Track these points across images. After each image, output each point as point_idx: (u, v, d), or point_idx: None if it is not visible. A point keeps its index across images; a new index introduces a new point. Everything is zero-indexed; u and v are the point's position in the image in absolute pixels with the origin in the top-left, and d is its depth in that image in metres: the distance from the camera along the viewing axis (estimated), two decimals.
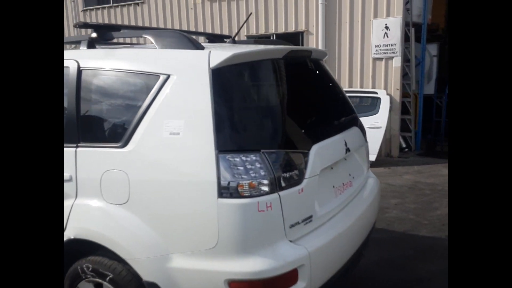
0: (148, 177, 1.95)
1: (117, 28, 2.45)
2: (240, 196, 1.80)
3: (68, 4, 10.25)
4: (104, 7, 9.82)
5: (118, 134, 2.05)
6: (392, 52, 7.17)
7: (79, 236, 2.10)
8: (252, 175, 1.83)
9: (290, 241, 1.94)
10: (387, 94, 7.23)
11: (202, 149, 1.84)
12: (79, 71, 2.22)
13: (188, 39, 2.07)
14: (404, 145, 8.04)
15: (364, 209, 2.54)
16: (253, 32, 8.12)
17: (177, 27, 8.85)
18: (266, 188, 1.84)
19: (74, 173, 2.14)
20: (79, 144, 2.14)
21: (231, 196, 1.80)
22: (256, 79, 2.17)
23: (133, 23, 9.39)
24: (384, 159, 7.46)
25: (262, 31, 8.04)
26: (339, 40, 7.44)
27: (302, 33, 7.72)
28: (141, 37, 2.27)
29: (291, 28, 7.75)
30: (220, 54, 1.95)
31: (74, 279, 2.18)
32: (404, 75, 7.51)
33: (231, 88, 1.95)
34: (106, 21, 9.80)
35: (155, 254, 1.93)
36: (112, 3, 9.67)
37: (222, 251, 1.82)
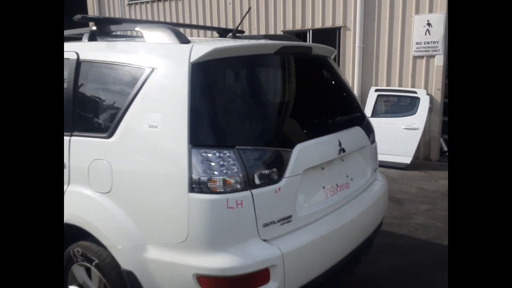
0: (128, 168, 1.98)
1: (117, 21, 2.50)
2: (210, 191, 1.78)
3: None
4: (148, 2, 10.11)
5: (106, 125, 2.10)
6: (434, 50, 6.79)
7: (70, 221, 2.18)
8: (224, 171, 1.80)
9: (265, 240, 1.90)
10: (427, 94, 6.86)
11: (176, 143, 1.84)
12: (78, 62, 2.29)
13: (174, 33, 2.07)
14: (445, 149, 7.61)
15: (360, 212, 2.42)
16: (289, 27, 8.02)
17: (215, 21, 8.94)
18: (237, 185, 1.81)
19: (68, 160, 2.22)
20: (73, 133, 2.22)
21: (201, 191, 1.78)
22: (240, 75, 2.13)
23: (174, 17, 9.60)
24: (421, 162, 7.10)
25: (298, 27, 7.92)
26: (377, 37, 7.15)
27: (339, 28, 7.51)
28: (134, 30, 2.29)
29: (328, 24, 7.57)
30: (201, 48, 1.93)
31: (67, 262, 2.27)
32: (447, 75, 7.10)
33: (210, 83, 1.92)
34: (149, 15, 10.09)
35: (132, 243, 1.96)
36: None
37: (191, 246, 1.81)
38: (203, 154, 1.81)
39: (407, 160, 6.48)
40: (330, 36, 7.77)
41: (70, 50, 2.36)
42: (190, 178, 1.79)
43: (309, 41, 7.85)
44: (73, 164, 2.20)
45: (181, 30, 2.36)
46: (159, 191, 1.88)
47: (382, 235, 4.05)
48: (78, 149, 2.19)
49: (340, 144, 2.32)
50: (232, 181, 1.80)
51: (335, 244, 2.19)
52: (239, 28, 3.15)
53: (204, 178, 1.79)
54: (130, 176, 1.97)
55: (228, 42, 2.13)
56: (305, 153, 2.08)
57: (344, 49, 7.50)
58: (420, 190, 5.49)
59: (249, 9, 2.93)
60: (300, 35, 8.17)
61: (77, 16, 2.39)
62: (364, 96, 7.23)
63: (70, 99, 2.27)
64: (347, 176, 2.47)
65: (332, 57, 2.87)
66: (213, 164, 1.80)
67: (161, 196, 1.87)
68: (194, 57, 1.91)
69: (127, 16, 10.50)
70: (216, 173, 1.79)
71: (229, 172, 1.80)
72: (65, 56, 2.35)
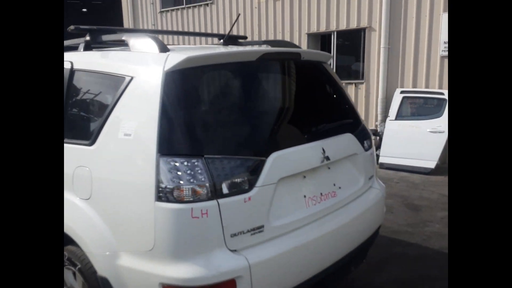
0: (105, 176, 2.03)
1: (111, 31, 2.58)
2: (175, 200, 1.80)
3: (148, 6, 11.00)
4: (178, 8, 10.36)
5: (90, 133, 2.17)
6: None
7: None
8: (190, 180, 1.81)
9: (234, 250, 1.89)
10: None
11: (146, 151, 1.87)
12: (72, 71, 2.39)
13: (155, 42, 2.10)
14: None
15: (347, 221, 2.36)
16: (314, 29, 7.93)
17: (242, 26, 9.00)
18: (203, 195, 1.81)
19: None
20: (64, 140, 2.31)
21: (167, 200, 1.80)
22: (217, 83, 2.13)
23: (203, 23, 9.77)
24: (447, 167, 6.79)
25: (323, 29, 7.81)
26: (403, 37, 6.92)
27: (364, 29, 7.33)
28: (121, 40, 2.35)
29: (353, 25, 7.41)
30: (176, 57, 1.95)
31: None
32: None
33: (183, 92, 1.94)
34: (180, 22, 10.33)
35: (108, 250, 2.01)
36: (185, 4, 10.15)
37: (158, 254, 1.84)
38: (171, 163, 1.82)
39: (432, 164, 6.22)
40: (354, 37, 7.61)
41: (66, 60, 2.46)
42: (157, 186, 1.82)
43: (334, 43, 7.73)
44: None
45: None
46: (130, 199, 1.92)
47: (392, 243, 3.91)
48: (66, 155, 2.28)
49: (323, 152, 2.27)
50: (197, 190, 1.80)
51: (313, 254, 2.14)
52: (217, 33, 3.15)
53: (170, 187, 1.80)
54: (106, 183, 2.03)
55: (207, 50, 2.14)
56: (281, 161, 2.05)
57: (369, 51, 7.32)
58: (441, 197, 5.24)
59: (238, 15, 2.90)
60: (325, 37, 8.07)
61: (71, 27, 2.48)
62: (389, 98, 7.02)
63: (67, 104, 2.37)
64: (334, 185, 2.41)
65: (328, 62, 2.82)
66: (179, 173, 1.81)
67: (132, 204, 1.91)
68: (168, 66, 1.93)
69: (159, 23, 10.81)
70: (182, 182, 1.80)
71: (195, 181, 1.81)
72: None
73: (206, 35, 3.93)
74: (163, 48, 2.07)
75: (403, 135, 6.56)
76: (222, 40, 2.67)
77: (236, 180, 1.89)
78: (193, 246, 1.82)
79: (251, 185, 1.93)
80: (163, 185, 1.81)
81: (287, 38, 8.27)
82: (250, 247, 1.93)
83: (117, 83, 2.11)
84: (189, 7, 10.07)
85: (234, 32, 9.12)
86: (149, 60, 2.04)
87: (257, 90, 2.25)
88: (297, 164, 2.15)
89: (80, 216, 2.13)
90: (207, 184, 1.82)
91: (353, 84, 7.58)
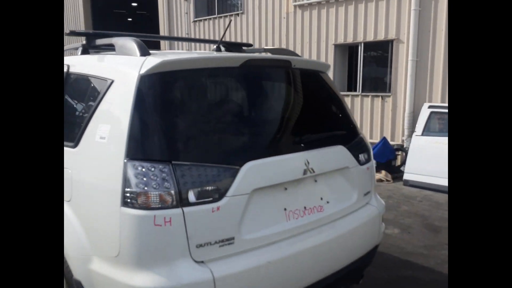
0: (82, 179, 2.04)
1: (106, 35, 2.61)
2: (139, 207, 1.76)
3: (182, 16, 11.26)
4: (210, 18, 10.52)
5: (74, 135, 2.19)
6: None
7: None
8: (154, 186, 1.77)
9: (201, 261, 1.82)
10: None
11: (116, 155, 1.85)
12: (67, 74, 2.44)
13: (137, 45, 2.10)
14: None
15: (333, 238, 2.24)
16: (341, 40, 7.79)
17: (270, 35, 9.00)
18: (167, 202, 1.76)
19: None
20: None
21: (132, 206, 1.77)
22: (194, 88, 2.09)
23: (233, 32, 9.86)
24: None
25: (350, 40, 7.66)
26: (432, 49, 6.65)
27: (392, 41, 7.11)
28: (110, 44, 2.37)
29: (380, 36, 7.21)
30: (151, 61, 1.94)
31: None
32: None
33: (156, 96, 1.91)
34: (211, 30, 10.48)
35: (82, 254, 1.99)
36: (217, 14, 10.30)
37: (122, 261, 1.80)
38: (138, 168, 1.79)
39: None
40: (382, 49, 7.40)
41: (64, 63, 2.52)
42: (123, 191, 1.79)
43: (361, 54, 7.55)
44: None
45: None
46: (101, 203, 1.91)
47: (404, 265, 3.70)
48: None
49: (307, 163, 2.17)
50: (162, 197, 1.76)
51: (291, 270, 2.04)
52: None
53: (135, 192, 1.77)
54: (83, 186, 2.03)
55: (186, 55, 2.11)
56: (256, 171, 1.97)
57: (396, 63, 7.09)
58: None
59: (230, 21, 2.86)
60: (353, 48, 7.90)
61: (66, 31, 2.54)
62: (417, 112, 6.73)
63: None
64: (321, 199, 2.30)
65: (327, 72, 2.72)
66: (145, 178, 1.77)
67: (102, 208, 1.90)
68: (143, 70, 1.91)
69: (192, 32, 11.02)
70: (146, 188, 1.76)
71: (159, 187, 1.77)
72: None
73: (203, 41, 3.90)
74: (144, 52, 2.06)
75: (430, 151, 6.25)
76: (215, 47, 2.63)
77: (204, 188, 1.83)
78: (155, 255, 1.77)
79: (221, 194, 1.86)
80: (128, 190, 1.78)
81: (313, 49, 8.17)
82: (218, 260, 1.86)
83: (100, 86, 2.12)
84: (221, 17, 10.20)
85: (264, 42, 9.14)
86: (128, 64, 2.04)
87: (238, 97, 2.20)
88: (276, 175, 2.06)
89: (67, 214, 2.14)
90: (172, 192, 1.77)
91: (380, 97, 7.36)
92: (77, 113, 2.33)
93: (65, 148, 2.22)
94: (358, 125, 7.53)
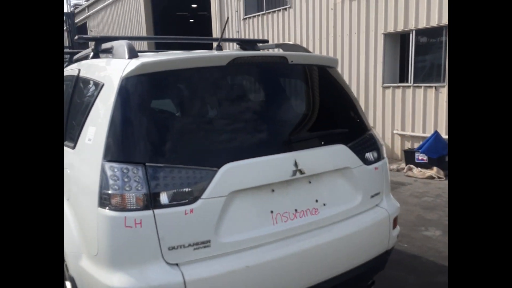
0: (76, 179, 2.12)
1: (113, 39, 2.68)
2: (112, 208, 1.78)
3: (233, 14, 11.36)
4: (259, 14, 10.49)
5: (74, 137, 2.29)
6: None
7: None
8: (127, 188, 1.78)
9: (175, 264, 1.80)
10: None
11: (96, 156, 1.89)
12: (77, 78, 2.56)
13: (127, 48, 2.12)
14: None
15: (328, 242, 2.11)
16: (390, 29, 7.34)
17: (318, 27, 8.77)
18: (138, 204, 1.77)
19: None
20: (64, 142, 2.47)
21: (106, 207, 1.80)
22: (176, 89, 2.06)
23: (281, 27, 9.75)
24: None
25: (400, 28, 7.19)
26: None
27: (445, 27, 6.56)
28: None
29: (433, 23, 6.68)
30: (133, 63, 1.95)
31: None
32: None
33: (135, 98, 1.92)
34: (260, 27, 10.45)
35: (75, 250, 2.08)
36: (265, 10, 10.24)
37: (100, 261, 1.84)
38: (113, 169, 1.81)
39: None
40: (435, 36, 6.86)
41: (75, 67, 2.64)
42: (100, 192, 1.82)
43: (412, 43, 7.07)
44: None
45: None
46: (85, 203, 1.96)
47: (438, 270, 3.40)
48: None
49: (296, 164, 2.05)
50: (133, 198, 1.77)
51: (273, 276, 1.95)
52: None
53: (108, 194, 1.79)
54: (76, 186, 2.11)
55: (171, 56, 2.09)
56: (235, 173, 1.91)
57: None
58: None
59: (227, 19, 2.75)
60: (404, 36, 7.43)
61: (75, 38, 2.65)
62: None
63: (67, 109, 2.54)
64: (316, 201, 2.17)
65: (336, 67, 2.55)
66: (118, 180, 1.79)
67: (86, 208, 1.95)
68: (125, 73, 1.93)
69: (242, 30, 11.08)
70: (119, 189, 1.78)
71: (131, 189, 1.77)
72: (72, 73, 2.65)
73: (202, 39, 3.85)
74: (131, 55, 2.08)
75: None
76: (216, 46, 2.59)
77: (177, 190, 1.81)
78: (127, 255, 1.78)
79: (196, 197, 1.83)
80: (104, 192, 1.81)
81: (362, 39, 7.81)
82: (193, 263, 1.83)
83: (95, 89, 2.18)
84: (269, 13, 10.12)
85: (311, 35, 8.92)
86: (115, 67, 2.07)
87: (222, 97, 2.13)
88: (259, 177, 1.98)
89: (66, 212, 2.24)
90: (144, 193, 1.77)
91: (433, 88, 6.84)
92: (79, 115, 2.42)
93: (67, 149, 2.32)
94: (410, 118, 7.02)
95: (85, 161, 2.03)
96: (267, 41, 3.31)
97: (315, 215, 2.15)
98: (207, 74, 2.10)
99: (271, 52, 2.36)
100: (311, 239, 2.09)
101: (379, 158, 2.46)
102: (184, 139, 1.93)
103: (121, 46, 2.19)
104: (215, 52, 2.20)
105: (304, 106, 2.38)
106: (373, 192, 2.40)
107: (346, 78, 8.25)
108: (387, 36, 7.48)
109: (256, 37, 10.65)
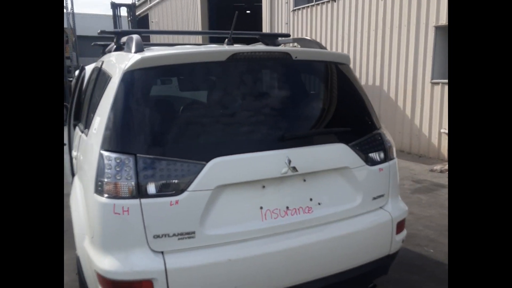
0: (84, 165, 2.26)
1: (131, 33, 2.80)
2: (104, 195, 1.89)
3: (283, 5, 11.29)
4: (308, 6, 10.33)
5: (88, 125, 2.44)
6: None
7: None
8: (118, 177, 1.87)
9: (160, 252, 1.88)
10: None
11: (96, 146, 2.01)
12: (100, 69, 2.72)
13: (135, 43, 2.22)
14: None
15: (318, 241, 2.09)
16: (442, 21, 6.92)
17: (366, 20, 8.49)
18: (126, 192, 1.86)
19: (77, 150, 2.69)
20: (84, 130, 2.65)
21: (100, 193, 1.91)
22: (175, 83, 2.12)
23: (329, 19, 9.55)
24: None
25: None
26: None
27: None
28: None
29: None
30: (134, 57, 2.03)
31: None
32: None
33: (133, 91, 2.00)
34: (309, 18, 10.30)
35: (80, 232, 2.23)
36: (314, 2, 10.06)
37: (95, 244, 1.96)
38: (108, 159, 1.92)
39: None
40: None
41: (101, 59, 2.81)
42: (96, 179, 1.94)
43: None
44: (74, 154, 2.64)
45: None
46: (87, 188, 2.10)
47: None
48: (78, 141, 2.63)
49: (288, 161, 2.04)
50: (122, 187, 1.86)
51: (257, 271, 1.96)
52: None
53: (102, 181, 1.90)
54: (83, 172, 2.25)
55: (171, 51, 2.15)
56: (223, 168, 1.94)
57: None
58: None
59: (236, 13, 2.73)
60: None
61: (98, 31, 2.81)
62: None
63: (88, 99, 2.72)
64: (310, 200, 2.14)
65: (347, 63, 2.48)
66: (111, 169, 1.89)
67: (87, 194, 2.08)
68: (127, 66, 2.03)
69: (291, 21, 11.00)
70: (111, 177, 1.88)
71: (122, 178, 1.87)
72: (97, 65, 2.83)
73: (209, 33, 3.85)
74: (138, 49, 2.17)
75: None
76: (227, 40, 2.61)
77: (164, 182, 1.88)
78: (116, 241, 1.88)
79: (182, 189, 1.89)
80: (99, 179, 1.92)
81: (412, 32, 7.45)
82: (178, 252, 1.90)
83: (106, 82, 2.31)
84: (318, 4, 9.94)
85: (359, 27, 8.65)
86: (122, 61, 2.17)
87: (219, 92, 2.16)
88: (248, 172, 1.99)
89: (76, 198, 2.41)
90: (132, 183, 1.86)
91: None
92: (93, 105, 2.58)
93: (83, 136, 2.49)
94: None
95: (90, 149, 2.16)
96: (288, 35, 3.29)
97: (308, 213, 2.13)
98: (206, 69, 2.14)
99: (274, 47, 2.34)
100: (301, 237, 2.07)
101: (386, 159, 2.37)
102: (176, 132, 1.99)
103: (130, 40, 2.29)
104: (215, 47, 2.23)
105: (306, 104, 2.34)
106: (376, 194, 2.32)
107: (393, 72, 7.93)
108: (438, 29, 7.06)
109: (304, 29, 10.53)
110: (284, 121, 2.17)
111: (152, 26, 21.63)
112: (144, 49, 2.19)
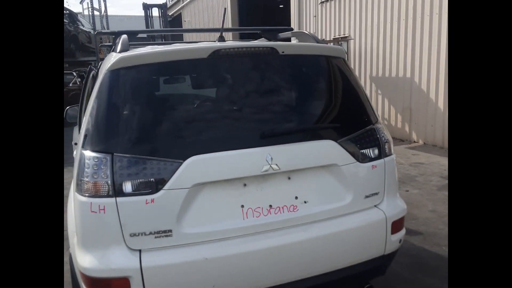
0: (74, 164, 2.31)
1: (131, 33, 2.82)
2: (82, 194, 1.91)
3: None
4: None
5: (81, 124, 2.49)
6: None
7: None
8: (94, 176, 1.89)
9: (137, 250, 1.88)
10: None
11: (79, 145, 2.04)
12: (98, 69, 2.77)
13: (121, 43, 2.23)
14: None
15: (304, 240, 2.02)
16: None
17: (396, 9, 8.16)
18: (103, 191, 1.87)
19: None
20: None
21: (79, 192, 1.94)
22: (153, 82, 2.10)
23: (358, 10, 9.28)
24: None
25: None
26: None
27: None
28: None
29: None
30: (116, 57, 2.05)
31: None
32: None
33: (112, 91, 2.00)
34: (337, 11, 10.06)
35: (71, 229, 2.28)
36: None
37: (78, 241, 2.00)
38: (87, 158, 1.94)
39: None
40: None
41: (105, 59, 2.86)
42: (77, 178, 1.97)
43: None
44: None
45: None
46: (73, 188, 2.13)
47: None
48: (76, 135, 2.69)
49: (270, 159, 1.98)
50: (99, 186, 1.87)
51: (235, 270, 1.92)
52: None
53: (81, 180, 1.93)
54: (74, 171, 2.30)
55: (150, 50, 2.13)
56: (200, 166, 1.91)
57: None
58: None
59: (225, 10, 2.66)
60: None
61: (95, 32, 2.86)
62: None
63: (86, 98, 2.78)
64: (296, 198, 2.07)
65: (343, 57, 2.37)
66: (89, 168, 1.91)
67: (72, 192, 2.12)
68: (108, 66, 2.05)
69: (319, 13, 10.78)
70: (89, 176, 1.90)
71: (99, 177, 1.88)
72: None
73: (206, 30, 3.76)
74: (122, 48, 2.18)
75: None
76: (218, 36, 2.56)
77: (140, 180, 1.87)
78: (94, 239, 1.91)
79: (158, 187, 1.88)
80: (80, 178, 1.95)
81: (444, 20, 7.08)
82: (155, 250, 1.89)
83: (95, 82, 2.34)
84: None
85: (389, 18, 8.33)
86: (108, 60, 2.19)
87: (199, 89, 2.13)
88: (227, 171, 1.95)
89: (69, 196, 2.47)
90: (108, 182, 1.87)
91: None
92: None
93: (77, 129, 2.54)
94: None
95: (77, 148, 2.20)
96: (291, 29, 3.19)
97: (293, 212, 2.06)
98: (188, 67, 2.11)
99: (259, 43, 2.27)
100: (284, 236, 2.01)
101: (380, 155, 2.25)
102: (154, 131, 1.98)
103: (119, 40, 2.30)
104: (196, 45, 2.20)
105: (293, 100, 2.26)
106: (369, 192, 2.21)
107: (425, 63, 7.58)
108: None
109: (331, 22, 10.29)
110: (268, 119, 2.11)
111: (185, 25, 21.96)
112: (130, 49, 2.20)
